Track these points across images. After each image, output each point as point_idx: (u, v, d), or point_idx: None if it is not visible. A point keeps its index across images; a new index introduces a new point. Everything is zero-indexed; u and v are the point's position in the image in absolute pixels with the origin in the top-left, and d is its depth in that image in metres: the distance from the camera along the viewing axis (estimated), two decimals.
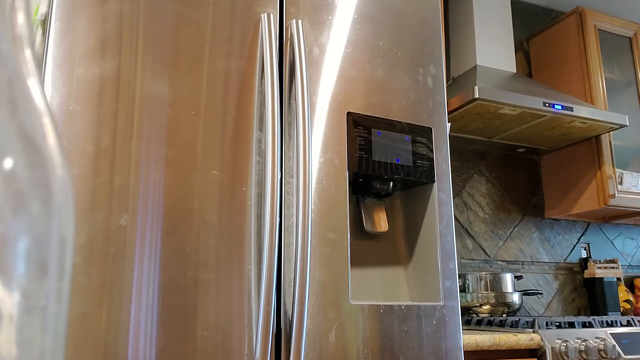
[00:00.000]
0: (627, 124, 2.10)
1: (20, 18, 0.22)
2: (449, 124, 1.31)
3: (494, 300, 1.91)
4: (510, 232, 2.34)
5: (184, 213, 0.94)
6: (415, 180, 1.20)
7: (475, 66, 2.19)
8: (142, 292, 0.88)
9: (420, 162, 1.21)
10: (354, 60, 1.19)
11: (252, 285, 0.96)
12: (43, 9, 0.96)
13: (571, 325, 1.69)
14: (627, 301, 2.39)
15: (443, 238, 1.19)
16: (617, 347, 1.60)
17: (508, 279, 1.94)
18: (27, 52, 0.22)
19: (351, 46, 1.19)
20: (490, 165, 2.37)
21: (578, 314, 2.40)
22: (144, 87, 0.96)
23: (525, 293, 2.02)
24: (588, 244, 2.53)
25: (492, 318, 1.81)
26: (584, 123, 2.08)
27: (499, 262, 2.28)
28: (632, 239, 2.67)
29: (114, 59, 0.95)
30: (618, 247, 2.61)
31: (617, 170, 2.24)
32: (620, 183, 2.22)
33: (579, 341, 1.57)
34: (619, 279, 2.43)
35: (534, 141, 2.30)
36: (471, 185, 2.30)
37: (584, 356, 1.55)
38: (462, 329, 1.59)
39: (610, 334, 1.64)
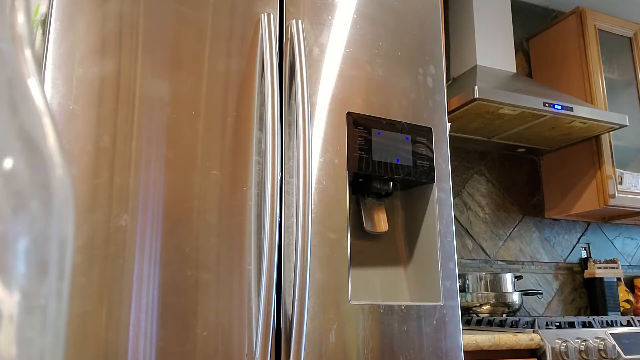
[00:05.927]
0: (627, 124, 2.10)
1: (20, 18, 0.22)
2: (449, 124, 1.31)
3: (494, 300, 1.91)
4: (510, 232, 2.34)
5: (184, 213, 0.94)
6: (415, 180, 1.20)
7: (475, 66, 2.19)
8: (142, 292, 0.88)
9: (420, 162, 1.21)
10: (354, 60, 1.19)
11: (252, 285, 0.96)
12: (43, 9, 0.96)
13: (571, 325, 1.69)
14: (627, 301, 2.39)
15: (443, 238, 1.19)
16: (617, 347, 1.60)
17: (508, 279, 1.94)
18: (27, 52, 0.22)
19: (351, 46, 1.19)
20: (490, 165, 2.37)
21: (578, 314, 2.40)
22: (144, 87, 0.96)
23: (525, 293, 2.02)
24: (588, 244, 2.53)
25: (492, 318, 1.81)
26: (584, 123, 2.08)
27: (499, 262, 2.28)
28: (632, 239, 2.67)
29: (114, 59, 0.95)
30: (618, 247, 2.61)
31: (617, 170, 2.24)
32: (620, 183, 2.22)
33: (579, 341, 1.57)
34: (619, 279, 2.43)
35: (534, 141, 2.30)
36: (471, 185, 2.30)
37: (584, 356, 1.55)
38: (462, 329, 1.59)
39: (610, 334, 1.64)
